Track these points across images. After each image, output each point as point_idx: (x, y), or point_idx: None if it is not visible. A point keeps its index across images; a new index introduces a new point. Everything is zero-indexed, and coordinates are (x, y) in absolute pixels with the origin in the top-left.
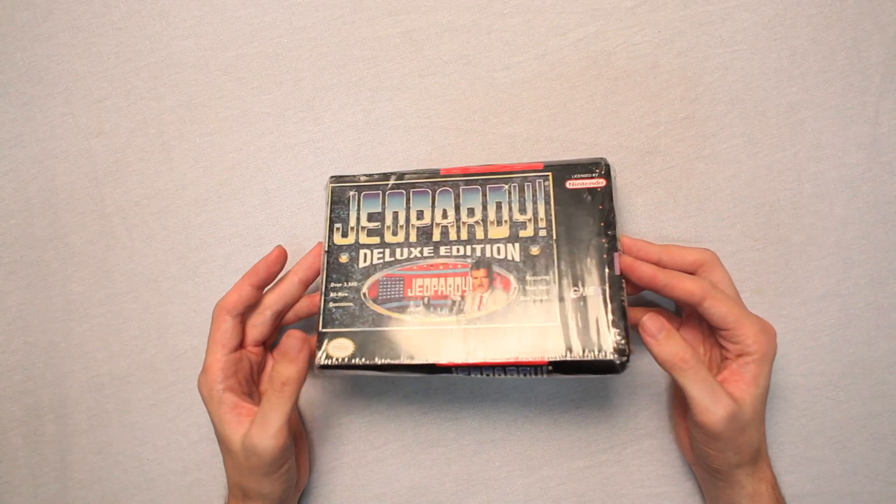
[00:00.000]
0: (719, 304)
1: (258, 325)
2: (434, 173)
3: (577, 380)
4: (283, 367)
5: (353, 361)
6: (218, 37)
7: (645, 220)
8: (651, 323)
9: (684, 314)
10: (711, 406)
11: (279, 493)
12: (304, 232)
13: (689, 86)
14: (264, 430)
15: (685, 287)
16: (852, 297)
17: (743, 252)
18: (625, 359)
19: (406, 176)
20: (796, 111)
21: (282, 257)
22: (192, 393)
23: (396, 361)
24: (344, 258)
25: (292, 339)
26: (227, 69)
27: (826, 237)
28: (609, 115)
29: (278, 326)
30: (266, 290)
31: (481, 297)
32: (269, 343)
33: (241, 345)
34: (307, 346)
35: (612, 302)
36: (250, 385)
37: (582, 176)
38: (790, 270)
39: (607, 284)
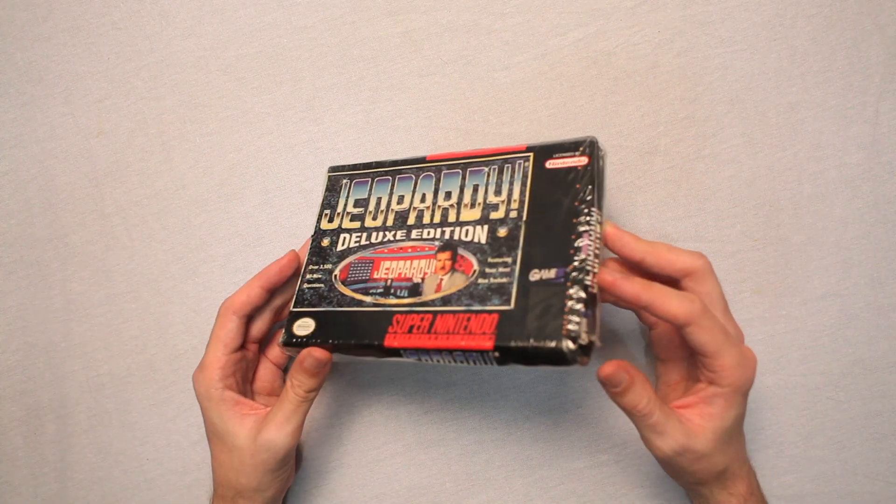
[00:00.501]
0: (702, 332)
1: (259, 325)
2: (421, 160)
3: (578, 380)
4: (306, 381)
5: (311, 341)
6: (218, 37)
7: (645, 220)
8: (611, 377)
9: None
10: (657, 442)
11: (276, 490)
12: (304, 232)
13: (689, 86)
14: (284, 428)
15: (669, 310)
16: (852, 297)
17: (743, 252)
18: (575, 347)
19: (396, 163)
20: (796, 111)
21: (294, 262)
22: (192, 393)
23: (347, 341)
24: (325, 242)
25: (312, 359)
26: (227, 69)
27: (826, 237)
28: (609, 115)
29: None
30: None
31: (441, 280)
32: (264, 340)
33: (243, 345)
34: (328, 364)
35: (573, 285)
36: (246, 383)
37: (563, 155)
38: (790, 270)
39: (570, 267)
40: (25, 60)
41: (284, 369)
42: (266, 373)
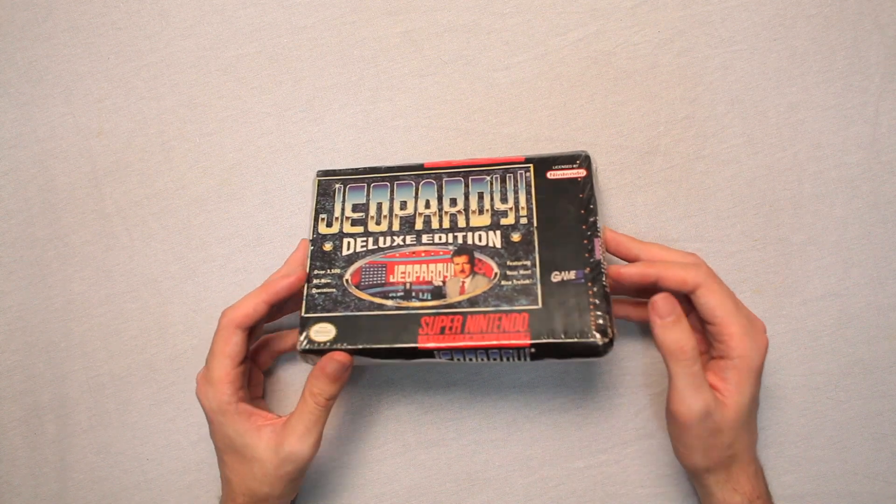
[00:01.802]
0: (712, 295)
1: (256, 332)
2: (418, 167)
3: (577, 380)
4: (327, 387)
5: (335, 346)
6: (218, 37)
7: (645, 220)
8: (662, 304)
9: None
10: (689, 398)
11: (293, 494)
12: (303, 232)
13: (689, 86)
14: (307, 440)
15: (676, 274)
16: (852, 297)
17: (743, 252)
18: (607, 340)
19: (391, 170)
20: (796, 111)
21: (303, 280)
22: (192, 393)
23: (378, 346)
24: (328, 246)
25: (335, 363)
26: (227, 69)
27: (826, 237)
28: (609, 115)
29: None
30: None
31: (463, 283)
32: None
33: (246, 357)
34: (350, 369)
35: (593, 286)
36: (247, 392)
37: (563, 167)
38: (790, 270)
39: (588, 269)
40: (25, 60)
41: (265, 372)
42: (252, 377)
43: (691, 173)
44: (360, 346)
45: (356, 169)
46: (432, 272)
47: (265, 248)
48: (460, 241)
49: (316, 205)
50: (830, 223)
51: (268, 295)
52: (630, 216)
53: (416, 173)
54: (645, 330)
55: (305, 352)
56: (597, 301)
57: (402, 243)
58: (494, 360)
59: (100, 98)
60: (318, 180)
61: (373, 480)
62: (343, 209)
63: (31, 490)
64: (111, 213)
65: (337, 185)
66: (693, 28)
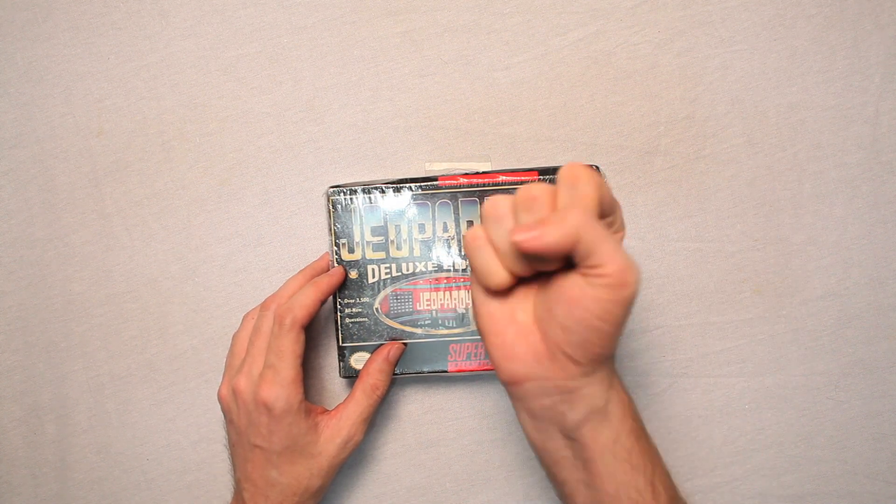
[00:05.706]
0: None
1: None
2: (432, 179)
3: None
4: (386, 377)
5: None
6: (218, 37)
7: (645, 219)
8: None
9: None
10: None
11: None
12: (303, 232)
13: (689, 86)
14: (363, 427)
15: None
16: (852, 297)
17: (743, 252)
18: None
19: (405, 186)
20: (796, 111)
21: (343, 276)
22: (191, 393)
23: (411, 371)
24: (353, 274)
25: (396, 350)
26: (227, 69)
27: (826, 237)
28: (609, 115)
29: None
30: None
31: None
32: None
33: None
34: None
35: None
36: None
37: None
38: (790, 270)
39: None
40: (25, 60)
41: None
42: None
43: (691, 173)
44: (398, 373)
45: (369, 183)
46: (455, 299)
47: (265, 248)
48: None
49: (333, 225)
50: (830, 223)
51: (321, 295)
52: (630, 216)
53: (431, 192)
54: (643, 334)
55: (346, 377)
56: None
57: (424, 270)
58: None
59: (100, 98)
60: (331, 199)
61: (372, 480)
62: (362, 233)
63: (31, 490)
64: (111, 213)
65: (352, 205)
66: (693, 28)
